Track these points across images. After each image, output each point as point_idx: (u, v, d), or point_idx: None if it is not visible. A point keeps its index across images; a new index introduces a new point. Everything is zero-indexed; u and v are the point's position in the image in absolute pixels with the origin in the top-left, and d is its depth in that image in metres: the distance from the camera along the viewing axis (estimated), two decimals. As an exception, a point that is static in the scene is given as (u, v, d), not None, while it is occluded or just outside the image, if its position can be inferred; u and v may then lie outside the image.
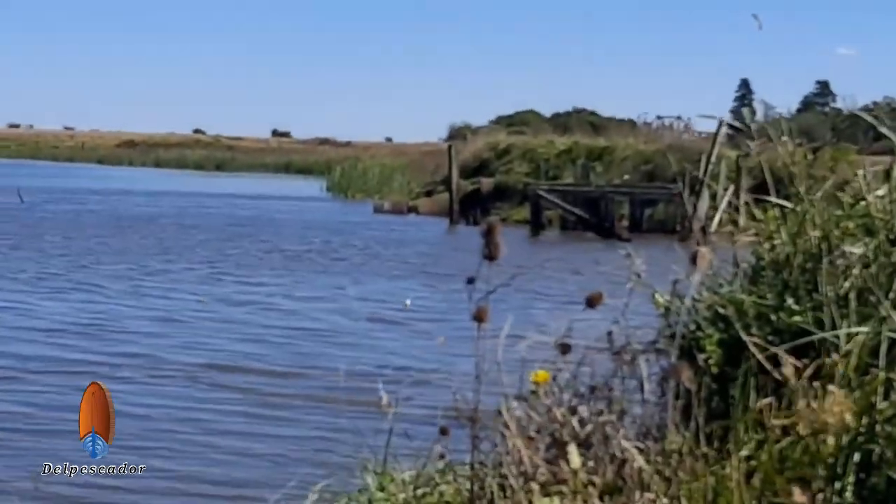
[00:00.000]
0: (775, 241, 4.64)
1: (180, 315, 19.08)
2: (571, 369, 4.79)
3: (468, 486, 6.36)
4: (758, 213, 4.72)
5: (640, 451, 2.96)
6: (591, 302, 4.72)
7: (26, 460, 9.73)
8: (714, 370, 4.04)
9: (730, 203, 39.30)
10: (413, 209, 49.08)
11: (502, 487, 2.98)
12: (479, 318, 4.78)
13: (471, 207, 44.97)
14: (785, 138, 5.71)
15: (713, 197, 39.41)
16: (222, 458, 10.32)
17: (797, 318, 3.97)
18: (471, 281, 4.89)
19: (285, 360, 15.10)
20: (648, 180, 43.71)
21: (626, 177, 43.97)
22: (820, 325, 3.90)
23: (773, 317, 4.20)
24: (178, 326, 17.93)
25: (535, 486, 2.79)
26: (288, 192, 64.48)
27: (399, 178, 60.02)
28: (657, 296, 4.50)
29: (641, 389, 4.43)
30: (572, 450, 2.79)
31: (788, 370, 3.19)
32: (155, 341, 16.32)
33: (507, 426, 2.99)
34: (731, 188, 39.76)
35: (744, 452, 3.03)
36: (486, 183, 47.19)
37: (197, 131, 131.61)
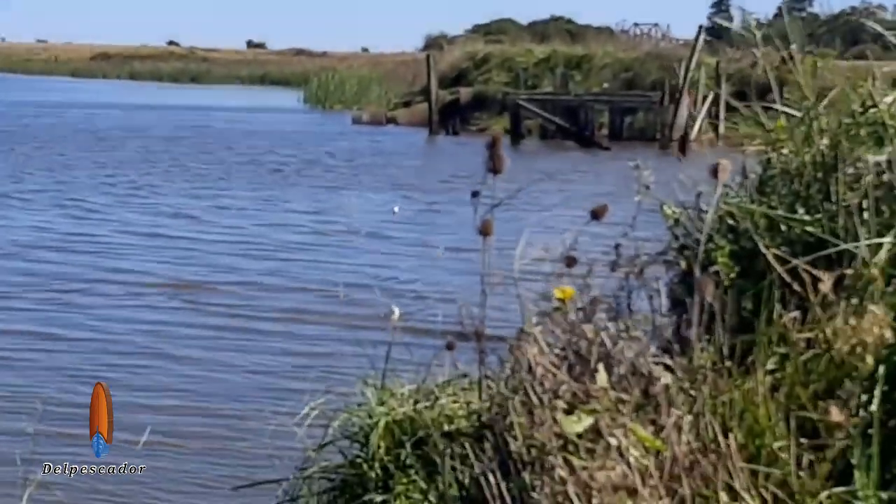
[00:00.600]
0: (783, 150, 4.56)
1: (134, 230, 18.65)
2: (578, 283, 4.72)
3: (473, 399, 6.34)
4: (765, 121, 4.64)
5: (666, 367, 2.91)
6: (597, 214, 4.65)
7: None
8: (727, 283, 4.00)
9: (710, 110, 39.21)
10: (392, 120, 48.74)
11: (523, 404, 2.93)
12: (484, 231, 4.72)
13: (450, 117, 44.71)
14: (794, 47, 5.59)
15: (693, 104, 39.29)
16: (208, 380, 10.10)
17: (811, 228, 3.92)
18: (475, 194, 4.82)
19: (265, 277, 14.77)
20: (628, 88, 43.54)
21: (605, 85, 43.77)
22: (834, 234, 3.85)
23: (783, 227, 4.15)
24: (136, 243, 17.49)
25: (560, 404, 2.74)
26: (265, 103, 63.86)
27: (376, 88, 59.55)
28: (665, 207, 4.43)
29: (651, 303, 4.39)
30: (601, 367, 2.74)
31: (825, 285, 3.13)
32: (105, 261, 15.88)
33: (535, 341, 2.93)
34: (711, 95, 39.66)
35: (769, 366, 2.99)
36: (465, 93, 46.87)
37: (171, 43, 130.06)
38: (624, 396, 2.72)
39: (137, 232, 18.57)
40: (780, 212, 4.02)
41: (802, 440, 2.87)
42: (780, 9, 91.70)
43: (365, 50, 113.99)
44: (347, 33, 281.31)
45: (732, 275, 4.16)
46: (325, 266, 15.69)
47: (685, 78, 38.04)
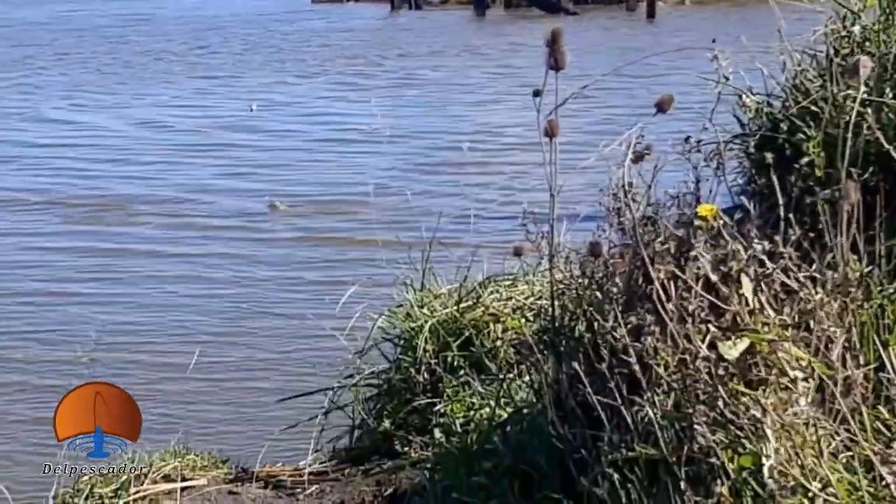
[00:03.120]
0: (855, 27, 4.36)
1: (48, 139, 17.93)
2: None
3: (516, 296, 6.19)
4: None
5: (812, 280, 2.77)
6: (662, 106, 4.48)
7: None
8: (820, 175, 3.85)
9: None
10: (351, -4, 47.68)
11: (656, 325, 2.80)
12: (550, 133, 4.55)
13: (411, -10, 43.87)
14: None
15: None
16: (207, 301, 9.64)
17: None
18: (537, 94, 4.64)
19: (216, 181, 14.30)
20: (590, -51, 42.79)
21: (567, -53, 42.99)
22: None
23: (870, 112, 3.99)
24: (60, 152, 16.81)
25: (710, 328, 2.60)
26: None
27: (331, -37, 58.28)
28: (745, 98, 4.25)
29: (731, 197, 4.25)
30: (746, 284, 2.60)
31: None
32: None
33: (673, 256, 2.78)
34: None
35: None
36: (425, -36, 46.02)
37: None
38: (781, 318, 2.58)
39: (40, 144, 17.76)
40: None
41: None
42: None
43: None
44: None
45: (817, 164, 4.01)
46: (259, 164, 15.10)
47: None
